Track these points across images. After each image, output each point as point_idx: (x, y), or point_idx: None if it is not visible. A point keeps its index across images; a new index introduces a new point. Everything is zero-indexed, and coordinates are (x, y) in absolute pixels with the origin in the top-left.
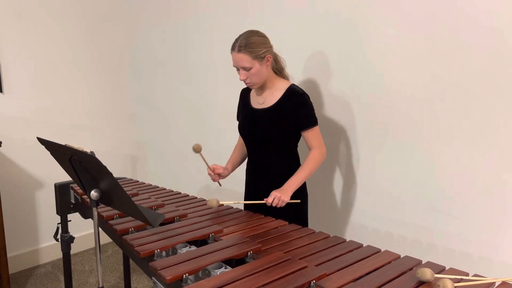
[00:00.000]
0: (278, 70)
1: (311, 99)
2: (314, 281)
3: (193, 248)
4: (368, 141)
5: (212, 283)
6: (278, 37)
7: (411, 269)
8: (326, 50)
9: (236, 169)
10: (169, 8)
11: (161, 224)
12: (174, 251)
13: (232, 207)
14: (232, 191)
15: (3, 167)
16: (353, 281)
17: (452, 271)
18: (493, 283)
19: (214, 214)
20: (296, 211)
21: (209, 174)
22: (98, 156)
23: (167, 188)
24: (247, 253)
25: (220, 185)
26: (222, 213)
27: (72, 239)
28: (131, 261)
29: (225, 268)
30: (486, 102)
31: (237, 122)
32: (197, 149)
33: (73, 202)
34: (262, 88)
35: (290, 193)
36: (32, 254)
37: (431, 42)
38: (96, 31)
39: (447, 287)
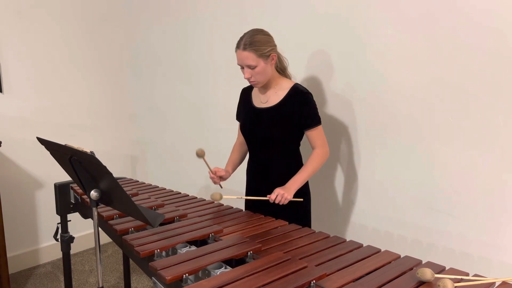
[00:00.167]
0: (281, 70)
1: None
2: (314, 281)
3: (193, 248)
4: (368, 141)
5: (212, 283)
6: (277, 36)
7: (411, 269)
8: (325, 50)
9: (237, 169)
10: (169, 8)
11: (161, 224)
12: (174, 251)
13: (232, 207)
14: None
15: (3, 167)
16: (353, 281)
17: (452, 271)
18: (493, 283)
19: (214, 214)
20: (299, 211)
21: (212, 177)
22: (98, 156)
23: (167, 188)
24: (247, 253)
25: (222, 187)
26: (222, 213)
27: (72, 239)
28: (131, 261)
29: (225, 268)
30: (486, 102)
31: (237, 122)
32: (200, 154)
33: (73, 202)
34: (265, 87)
35: (293, 191)
36: (32, 254)
37: (431, 42)
38: (96, 31)
39: (447, 287)
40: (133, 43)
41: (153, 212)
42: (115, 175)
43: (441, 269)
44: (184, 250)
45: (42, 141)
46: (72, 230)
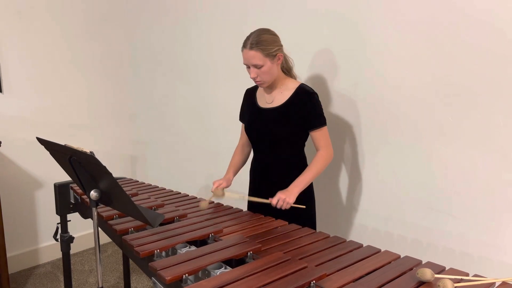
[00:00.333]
0: (287, 70)
1: None
2: (314, 281)
3: (193, 248)
4: (368, 141)
5: (212, 283)
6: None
7: (411, 269)
8: (325, 51)
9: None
10: (169, 8)
11: (161, 224)
12: (174, 251)
13: (232, 207)
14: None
15: (3, 167)
16: (353, 281)
17: (452, 271)
18: (493, 283)
19: (214, 214)
20: (305, 216)
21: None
22: (97, 156)
23: (166, 188)
24: (247, 253)
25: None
26: (222, 213)
27: (71, 239)
28: (130, 261)
29: (225, 268)
30: (486, 102)
31: (238, 122)
32: (204, 207)
33: (73, 202)
34: (270, 87)
35: (296, 194)
36: (32, 254)
37: (431, 42)
38: (96, 31)
39: (447, 287)
40: (133, 43)
41: (153, 212)
42: (114, 175)
43: (441, 269)
44: (184, 250)
45: (41, 141)
46: (72, 230)
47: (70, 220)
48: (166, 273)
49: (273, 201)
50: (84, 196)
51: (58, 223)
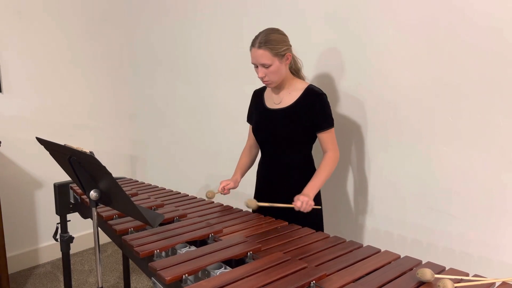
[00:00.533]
0: (295, 71)
1: None
2: (314, 281)
3: (193, 248)
4: (368, 141)
5: (212, 283)
6: None
7: (411, 269)
8: (325, 51)
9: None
10: (169, 8)
11: (161, 224)
12: (174, 252)
13: (232, 207)
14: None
15: (3, 167)
16: (353, 282)
17: (452, 271)
18: (493, 283)
19: (214, 214)
20: (317, 219)
21: (224, 194)
22: (97, 156)
23: (166, 188)
24: (247, 253)
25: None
26: (222, 213)
27: (71, 239)
28: (130, 261)
29: (225, 268)
30: (486, 102)
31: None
32: (210, 196)
33: (73, 202)
34: (278, 87)
35: (312, 197)
36: (32, 254)
37: (431, 43)
38: (96, 31)
39: (447, 287)
40: (133, 43)
41: (153, 212)
42: (114, 175)
43: (441, 269)
44: (184, 250)
45: (41, 141)
46: (72, 230)
47: (70, 220)
48: (166, 273)
49: (297, 204)
50: (84, 196)
51: (58, 223)
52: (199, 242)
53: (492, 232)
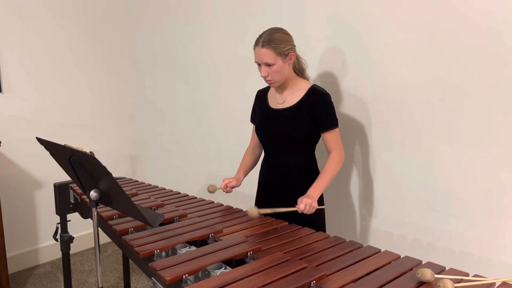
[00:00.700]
0: (299, 71)
1: None
2: (314, 281)
3: (193, 248)
4: (368, 141)
5: (212, 283)
6: None
7: (411, 269)
8: (325, 51)
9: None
10: (169, 8)
11: (161, 224)
12: (174, 252)
13: (232, 207)
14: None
15: (3, 167)
16: (353, 282)
17: (452, 271)
18: (493, 284)
19: (214, 214)
20: (317, 218)
21: (227, 191)
22: (97, 156)
23: (166, 188)
24: (247, 254)
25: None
26: (222, 213)
27: (71, 239)
28: (130, 261)
29: (225, 268)
30: (486, 102)
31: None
32: (212, 190)
33: (73, 202)
34: (282, 87)
35: (316, 199)
36: (32, 254)
37: (431, 43)
38: (96, 31)
39: (447, 287)
40: (134, 43)
41: (153, 212)
42: (114, 175)
43: (441, 269)
44: (184, 250)
45: (41, 141)
46: (72, 230)
47: (70, 220)
48: (166, 273)
49: (301, 207)
50: (84, 196)
51: (58, 223)
52: (199, 242)
53: (492, 232)
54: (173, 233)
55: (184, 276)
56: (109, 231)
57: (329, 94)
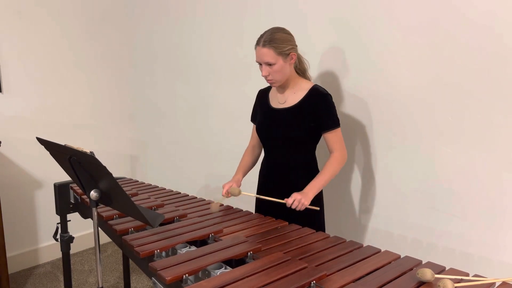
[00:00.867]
0: (301, 71)
1: None
2: (314, 281)
3: (193, 248)
4: (368, 141)
5: (212, 283)
6: None
7: (411, 269)
8: (328, 51)
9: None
10: (169, 8)
11: (161, 224)
12: (174, 252)
13: (232, 207)
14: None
15: (3, 167)
16: (353, 282)
17: (452, 271)
18: (493, 283)
19: (214, 214)
20: (314, 217)
21: (227, 197)
22: (97, 156)
23: (166, 188)
24: (247, 254)
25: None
26: (222, 213)
27: (71, 239)
28: (130, 260)
29: (225, 268)
30: (486, 102)
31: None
32: (215, 208)
33: (73, 202)
34: (283, 87)
35: (311, 197)
36: (32, 254)
37: (432, 43)
38: (96, 31)
39: (447, 287)
40: (134, 42)
41: (153, 212)
42: (115, 175)
43: (441, 269)
44: (184, 250)
45: (41, 141)
46: (72, 230)
47: (70, 220)
48: (166, 273)
49: (289, 201)
50: (84, 196)
51: (58, 223)
52: (199, 242)
53: (492, 232)
54: (173, 233)
55: (184, 276)
56: (109, 231)
57: (330, 95)
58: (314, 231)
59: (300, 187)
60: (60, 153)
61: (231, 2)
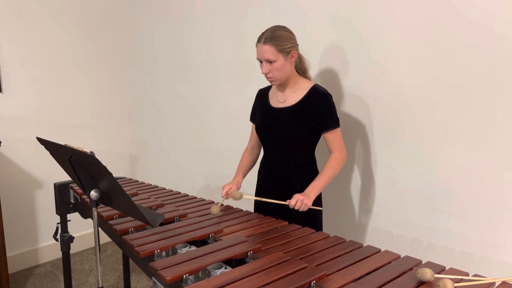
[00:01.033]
0: (302, 71)
1: None
2: (314, 281)
3: (193, 248)
4: (368, 141)
5: (212, 283)
6: None
7: (411, 269)
8: (328, 51)
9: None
10: (169, 8)
11: (161, 224)
12: (174, 251)
13: (232, 207)
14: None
15: (3, 167)
16: (353, 281)
17: (452, 271)
18: (493, 283)
19: (214, 214)
20: (314, 217)
21: (227, 199)
22: (97, 156)
23: (166, 188)
24: (247, 253)
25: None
26: (222, 213)
27: (71, 238)
28: (130, 260)
29: (225, 268)
30: (486, 102)
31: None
32: (215, 211)
33: (73, 202)
34: (283, 86)
35: (313, 198)
36: (32, 253)
37: (432, 43)
38: (96, 31)
39: (447, 287)
40: (133, 42)
41: (153, 212)
42: (115, 175)
43: (441, 269)
44: (184, 250)
45: (41, 141)
46: (72, 230)
47: (70, 220)
48: (166, 273)
49: (291, 202)
50: (84, 196)
51: (58, 223)
52: (200, 242)
53: (492, 232)
54: (173, 233)
55: (184, 275)
56: (109, 231)
57: (330, 94)
58: (314, 230)
59: (299, 187)
60: (60, 153)
61: (232, 2)
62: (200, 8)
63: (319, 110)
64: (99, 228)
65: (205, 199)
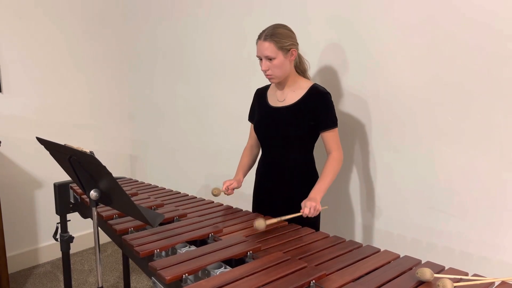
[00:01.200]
0: (301, 71)
1: None
2: (313, 281)
3: (193, 248)
4: (368, 141)
5: (211, 283)
6: None
7: (411, 269)
8: (328, 51)
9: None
10: (170, 8)
11: (161, 224)
12: (174, 251)
13: (232, 207)
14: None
15: (3, 167)
16: (353, 281)
17: (452, 270)
18: (493, 283)
19: (214, 214)
20: (316, 218)
21: (228, 194)
22: (97, 155)
23: (166, 188)
24: (247, 253)
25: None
26: (222, 213)
27: (71, 238)
28: (130, 260)
29: (225, 268)
30: (486, 102)
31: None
32: (216, 193)
33: (73, 202)
34: (282, 85)
35: (319, 200)
36: (32, 253)
37: (432, 43)
38: (96, 31)
39: (447, 287)
40: (133, 42)
41: (153, 212)
42: (114, 175)
43: (440, 269)
44: (184, 250)
45: (41, 141)
46: (72, 229)
47: (70, 220)
48: (166, 272)
49: (305, 211)
50: (84, 196)
51: (58, 223)
52: (199, 242)
53: (492, 232)
54: (173, 232)
55: (184, 275)
56: (109, 230)
57: (329, 94)
58: (314, 230)
59: (297, 186)
60: (60, 153)
61: (232, 2)
62: (201, 8)
63: (319, 109)
64: (99, 228)
65: (204, 199)
